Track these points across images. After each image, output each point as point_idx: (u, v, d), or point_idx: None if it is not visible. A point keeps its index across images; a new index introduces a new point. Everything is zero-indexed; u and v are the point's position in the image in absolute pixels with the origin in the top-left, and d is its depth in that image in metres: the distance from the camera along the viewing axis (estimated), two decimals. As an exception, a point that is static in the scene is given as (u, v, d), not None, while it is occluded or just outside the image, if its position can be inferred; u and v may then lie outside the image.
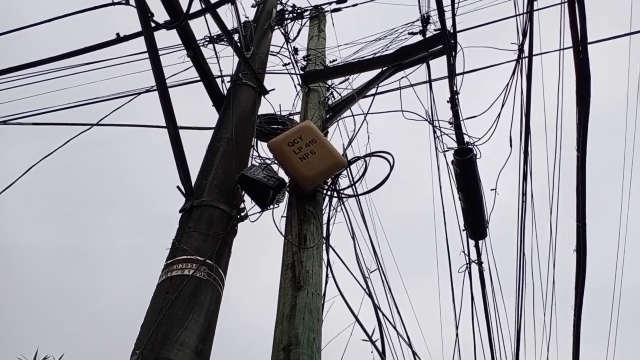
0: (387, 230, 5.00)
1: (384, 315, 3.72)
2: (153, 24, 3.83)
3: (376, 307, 2.65)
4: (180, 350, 2.29)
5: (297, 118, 4.91)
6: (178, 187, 3.28)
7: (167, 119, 3.41)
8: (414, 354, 3.16)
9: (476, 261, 4.89)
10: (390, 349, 3.68)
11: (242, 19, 5.63)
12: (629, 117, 4.64)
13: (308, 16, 6.34)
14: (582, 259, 3.89)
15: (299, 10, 6.12)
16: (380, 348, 2.41)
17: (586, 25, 3.07)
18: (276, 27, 6.01)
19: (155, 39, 3.57)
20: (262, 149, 4.69)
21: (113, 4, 4.45)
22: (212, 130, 5.12)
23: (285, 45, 5.97)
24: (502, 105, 3.79)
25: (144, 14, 3.45)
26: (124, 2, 4.29)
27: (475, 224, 4.67)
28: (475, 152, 4.31)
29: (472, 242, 4.98)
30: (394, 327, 3.83)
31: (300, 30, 6.30)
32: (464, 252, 4.65)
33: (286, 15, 6.25)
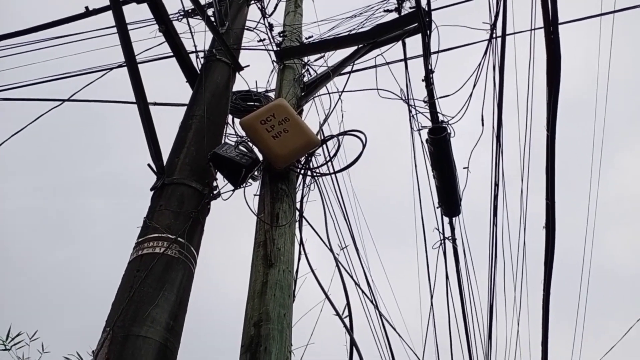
0: (363, 208, 5.06)
1: (359, 288, 3.80)
2: (123, -2, 3.75)
3: (344, 284, 2.70)
4: (151, 327, 2.30)
5: (272, 95, 4.88)
6: (149, 164, 3.24)
7: (137, 95, 3.35)
8: (385, 327, 3.24)
9: (450, 237, 4.98)
10: (369, 322, 3.77)
11: (218, -7, 5.52)
12: (599, 96, 4.73)
13: (285, -9, 6.24)
14: (552, 236, 4.00)
15: (276, -16, 6.01)
16: (348, 324, 2.46)
17: (557, 6, 3.09)
18: (252, 1, 5.90)
19: (123, 13, 3.49)
20: (237, 126, 4.67)
21: (81, -25, 4.32)
22: (185, 107, 5.07)
23: (261, 21, 5.90)
24: (474, 85, 3.83)
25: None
26: (92, -27, 4.17)
27: (449, 201, 4.74)
28: (449, 131, 4.35)
29: (446, 220, 5.07)
30: (372, 302, 3.92)
31: (277, 5, 6.20)
32: (437, 229, 4.73)
33: (263, -10, 6.14)
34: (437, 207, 4.80)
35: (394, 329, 4.36)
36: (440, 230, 4.90)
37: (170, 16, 6.29)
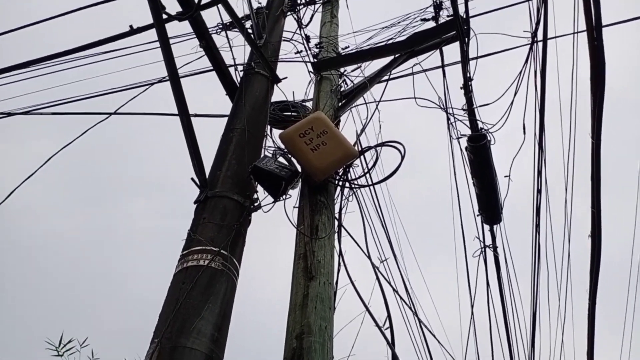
0: (402, 217, 5.04)
1: (401, 298, 3.80)
2: (165, 16, 3.89)
3: (384, 296, 2.71)
4: (197, 339, 2.37)
5: (309, 104, 4.94)
6: (192, 179, 3.35)
7: (180, 110, 3.47)
8: (425, 335, 3.23)
9: (490, 246, 4.90)
10: (409, 332, 3.75)
11: (255, 5, 5.64)
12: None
13: (320, 1, 6.31)
14: (597, 245, 3.89)
15: (311, -4, 6.10)
16: (389, 336, 2.47)
17: (600, 10, 3.01)
18: (288, 13, 6.00)
19: (166, 31, 3.61)
20: (275, 137, 4.75)
21: (126, -5, 4.50)
22: (226, 118, 5.18)
23: (297, 31, 5.98)
24: (515, 93, 3.77)
25: (155, 6, 3.49)
26: (136, -6, 4.33)
27: (490, 209, 4.68)
28: (489, 139, 4.29)
29: (487, 228, 4.99)
30: (412, 309, 3.90)
31: (312, 15, 6.29)
32: (477, 237, 4.67)
33: (298, 1, 6.23)
34: (478, 215, 4.74)
35: (434, 336, 4.32)
36: (481, 238, 4.83)
37: (209, 29, 6.48)
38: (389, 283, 3.45)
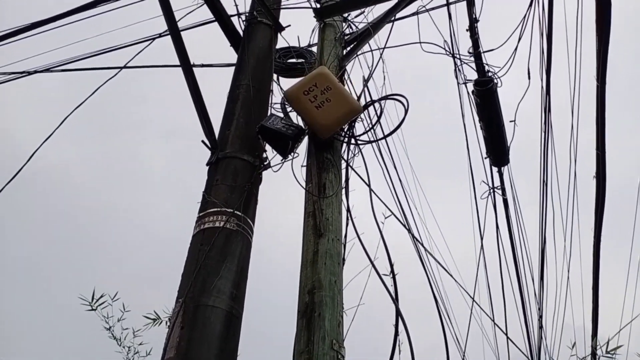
0: (412, 162, 5.13)
1: (413, 236, 3.98)
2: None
3: (388, 251, 2.86)
4: (217, 297, 2.58)
5: (315, 49, 4.91)
6: (203, 141, 3.45)
7: (185, 72, 3.51)
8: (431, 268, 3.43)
9: (499, 187, 5.01)
10: (426, 268, 3.94)
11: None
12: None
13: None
14: (602, 186, 3.97)
15: None
16: (393, 293, 2.65)
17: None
18: (290, -49, 5.80)
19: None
20: (284, 86, 4.78)
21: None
22: (231, 68, 5.19)
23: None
24: (519, 39, 3.71)
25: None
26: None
27: (497, 151, 4.74)
28: (495, 82, 4.28)
29: (496, 170, 5.08)
30: (420, 243, 4.09)
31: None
32: (484, 181, 4.77)
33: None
34: (485, 158, 4.81)
35: (446, 270, 4.57)
36: (490, 180, 4.93)
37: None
38: (400, 220, 3.61)
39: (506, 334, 5.39)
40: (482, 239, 5.35)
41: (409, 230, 4.07)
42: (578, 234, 5.15)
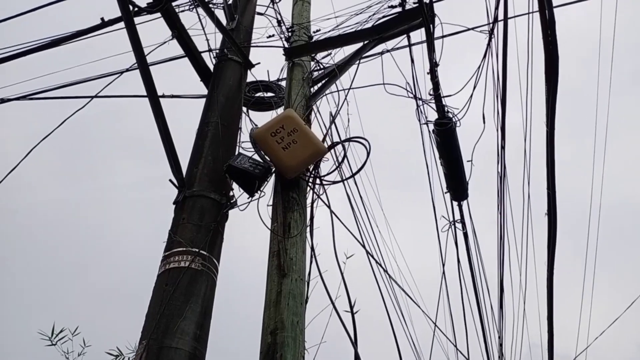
0: (378, 196, 5.30)
1: (380, 265, 4.10)
2: (136, 8, 3.93)
3: (348, 294, 2.96)
4: (181, 339, 2.63)
5: (284, 83, 5.05)
6: (170, 180, 3.52)
7: (156, 115, 3.58)
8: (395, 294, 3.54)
9: (459, 220, 5.20)
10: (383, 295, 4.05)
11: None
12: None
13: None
14: (553, 222, 4.20)
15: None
16: (352, 334, 2.74)
17: (553, 12, 3.16)
18: (261, -13, 5.98)
19: (135, 24, 3.67)
20: (252, 119, 4.91)
21: (95, -11, 4.49)
22: (199, 99, 5.27)
23: (271, 5, 6.00)
24: (474, 87, 3.95)
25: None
26: (105, -11, 4.34)
27: (457, 187, 4.94)
28: (454, 121, 4.50)
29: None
30: (385, 270, 4.22)
31: (285, -9, 6.28)
32: (443, 216, 4.96)
33: (270, -24, 6.18)
34: (446, 192, 5.00)
35: (408, 295, 4.71)
36: (450, 213, 5.12)
37: (181, 7, 6.44)
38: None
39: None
40: (443, 273, 5.53)
41: (372, 256, 4.22)
42: (534, 262, 5.38)
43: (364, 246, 4.08)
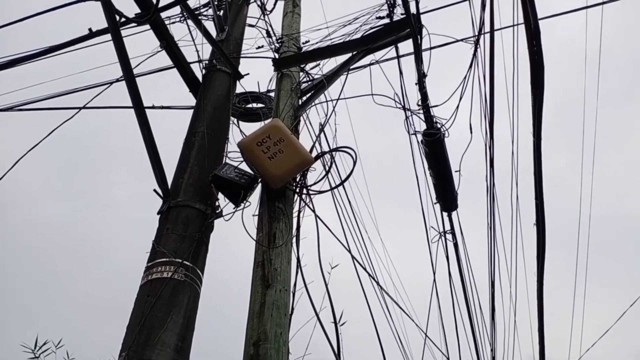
0: (368, 205, 5.28)
1: (365, 271, 4.06)
2: (123, 19, 3.92)
3: (332, 305, 2.93)
4: (162, 350, 2.58)
5: (273, 94, 5.05)
6: (155, 190, 3.48)
7: (141, 126, 3.56)
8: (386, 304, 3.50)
9: (448, 231, 5.18)
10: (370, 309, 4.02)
11: (216, -3, 5.65)
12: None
13: (283, -11, 6.31)
14: (542, 232, 4.19)
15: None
16: (335, 346, 2.70)
17: (538, 21, 3.17)
18: (252, 0, 6.00)
19: (121, 35, 3.67)
20: (240, 131, 4.89)
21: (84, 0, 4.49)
22: (186, 111, 5.25)
23: (261, 17, 6.03)
24: (460, 98, 3.96)
25: (109, 10, 3.53)
26: (93, -1, 4.33)
27: (446, 197, 4.93)
28: (442, 132, 4.50)
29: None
30: (374, 278, 4.18)
31: (275, 3, 6.32)
32: (432, 227, 4.94)
33: (262, -12, 6.22)
34: (435, 203, 4.99)
35: (399, 306, 4.68)
36: (440, 224, 5.10)
37: (171, 18, 6.45)
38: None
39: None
40: (434, 282, 5.49)
41: (357, 261, 4.19)
42: (524, 272, 5.37)
43: (349, 251, 4.06)
